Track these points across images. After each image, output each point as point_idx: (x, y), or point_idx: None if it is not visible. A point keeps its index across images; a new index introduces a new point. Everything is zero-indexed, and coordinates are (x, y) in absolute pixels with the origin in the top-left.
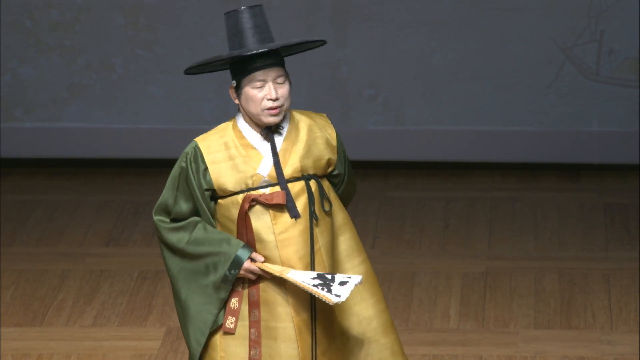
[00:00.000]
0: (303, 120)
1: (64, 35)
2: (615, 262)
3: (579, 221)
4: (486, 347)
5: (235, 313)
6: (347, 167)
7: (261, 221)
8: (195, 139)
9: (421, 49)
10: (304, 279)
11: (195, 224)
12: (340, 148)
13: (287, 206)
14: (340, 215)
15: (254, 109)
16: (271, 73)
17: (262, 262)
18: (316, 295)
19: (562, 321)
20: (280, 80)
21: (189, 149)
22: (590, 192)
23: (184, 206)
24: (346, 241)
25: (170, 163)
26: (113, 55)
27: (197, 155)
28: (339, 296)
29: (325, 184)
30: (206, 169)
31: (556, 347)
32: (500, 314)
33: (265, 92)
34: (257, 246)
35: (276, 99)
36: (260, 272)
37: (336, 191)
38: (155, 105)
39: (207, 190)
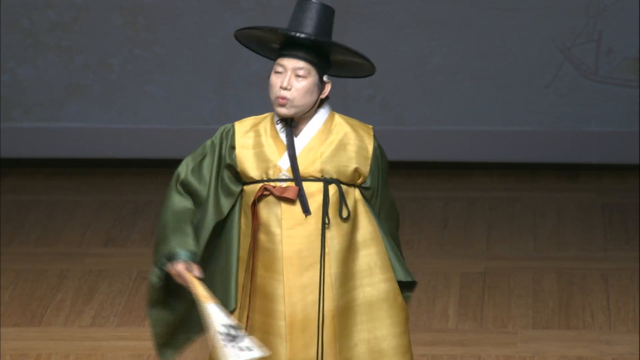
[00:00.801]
0: (341, 125)
1: (63, 35)
2: (614, 262)
3: (577, 221)
4: (485, 347)
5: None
6: (381, 187)
7: (272, 213)
8: (235, 122)
9: (420, 49)
10: (216, 319)
11: (191, 207)
12: (375, 162)
13: (300, 201)
14: (367, 229)
15: (271, 95)
16: (294, 63)
17: (196, 278)
18: (213, 343)
19: (561, 321)
20: (300, 72)
21: (227, 125)
22: (589, 192)
23: (197, 176)
24: (370, 256)
25: (169, 163)
26: (112, 55)
27: (230, 133)
28: (229, 357)
29: (354, 194)
30: (234, 148)
31: (555, 347)
32: (499, 314)
33: (281, 79)
34: (263, 238)
35: (285, 89)
36: (185, 282)
37: (370, 206)
38: (154, 105)
39: (228, 165)
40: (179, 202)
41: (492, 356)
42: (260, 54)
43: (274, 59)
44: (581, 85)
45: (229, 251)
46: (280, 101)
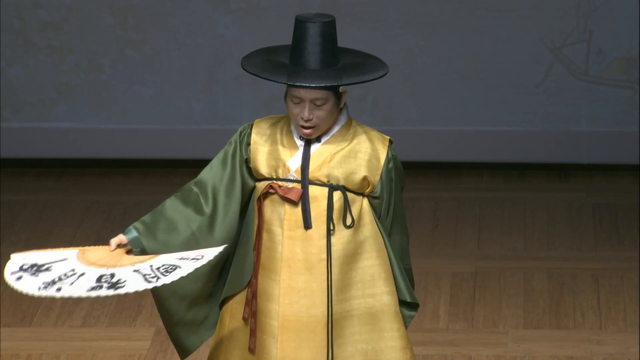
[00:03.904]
0: (356, 133)
1: (53, 35)
2: (604, 262)
3: (567, 221)
4: (475, 347)
5: (249, 303)
6: (395, 199)
7: (275, 212)
8: (256, 119)
9: (410, 49)
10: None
11: (188, 191)
12: (387, 172)
13: (302, 209)
14: (373, 240)
15: (291, 119)
16: (311, 94)
17: (128, 250)
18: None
19: (551, 321)
20: (319, 102)
21: (245, 125)
22: (579, 192)
23: (209, 171)
24: (374, 267)
25: (159, 163)
26: (102, 55)
27: (247, 132)
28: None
29: (362, 203)
30: (249, 144)
31: (545, 347)
32: (489, 314)
33: (300, 109)
34: (265, 236)
35: (308, 120)
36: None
37: (380, 220)
38: (144, 105)
39: (246, 160)
40: (179, 206)
41: (482, 356)
42: (268, 80)
43: (287, 83)
44: (571, 86)
45: (247, 243)
46: (305, 131)
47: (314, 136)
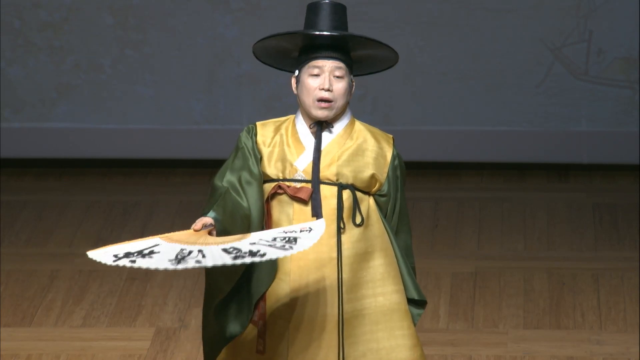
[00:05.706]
0: (361, 131)
1: (53, 35)
2: (604, 262)
3: (567, 221)
4: (475, 347)
5: (256, 304)
6: (400, 197)
7: (284, 213)
8: (257, 122)
9: (410, 49)
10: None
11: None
12: (393, 170)
13: (312, 204)
14: (381, 238)
15: (306, 98)
16: (331, 64)
17: (208, 226)
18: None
19: (551, 321)
20: (338, 73)
21: (249, 125)
22: (579, 192)
23: (231, 174)
24: (383, 266)
25: (159, 163)
26: (102, 55)
27: (253, 131)
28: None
29: (368, 202)
30: (257, 143)
31: (545, 347)
32: (489, 314)
33: (320, 81)
34: None
35: (328, 90)
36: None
37: (385, 219)
38: (143, 105)
39: (260, 159)
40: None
41: (482, 356)
42: (279, 69)
43: (300, 65)
44: (571, 85)
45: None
46: (323, 104)
47: (329, 115)
